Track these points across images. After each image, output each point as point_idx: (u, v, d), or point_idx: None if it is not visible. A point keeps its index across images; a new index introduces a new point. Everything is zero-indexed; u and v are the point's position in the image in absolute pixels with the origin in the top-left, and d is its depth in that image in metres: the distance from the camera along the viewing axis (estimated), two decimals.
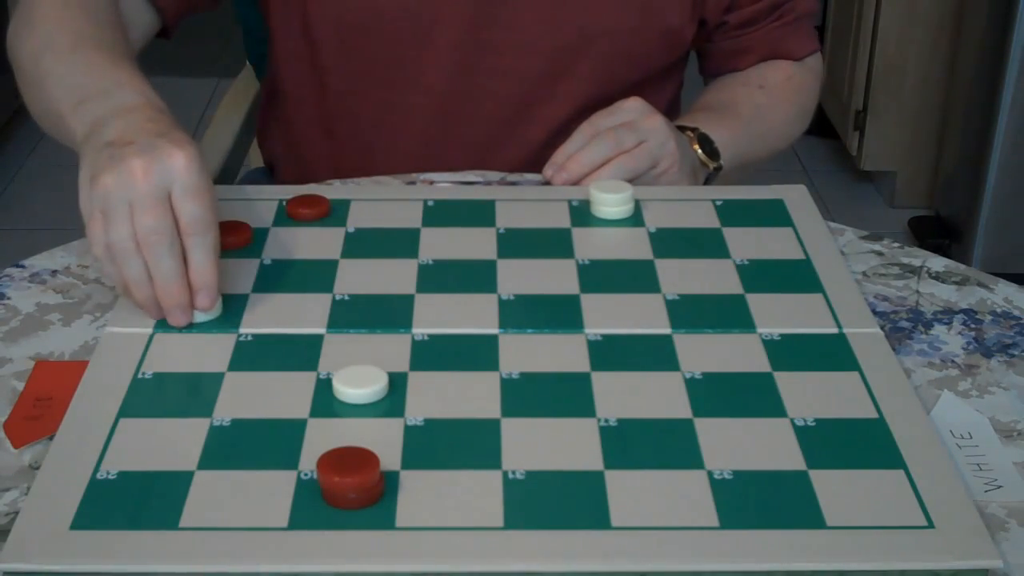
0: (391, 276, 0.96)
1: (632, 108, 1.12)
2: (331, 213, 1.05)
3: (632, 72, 1.25)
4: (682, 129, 1.17)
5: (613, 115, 1.11)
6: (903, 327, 0.94)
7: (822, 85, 1.37)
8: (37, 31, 1.05)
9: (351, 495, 0.71)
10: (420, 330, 0.89)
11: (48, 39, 1.04)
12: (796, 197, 1.09)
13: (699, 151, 1.17)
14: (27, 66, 1.05)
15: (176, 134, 0.88)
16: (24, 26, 1.07)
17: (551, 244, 1.01)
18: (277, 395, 0.81)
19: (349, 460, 0.73)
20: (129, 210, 0.84)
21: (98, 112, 0.92)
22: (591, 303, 0.92)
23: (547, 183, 1.11)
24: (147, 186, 0.84)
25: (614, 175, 1.08)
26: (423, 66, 1.20)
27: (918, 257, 1.04)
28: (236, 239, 0.99)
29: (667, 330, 0.89)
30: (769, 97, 1.28)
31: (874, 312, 0.93)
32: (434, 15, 1.19)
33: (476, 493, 0.73)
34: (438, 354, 0.86)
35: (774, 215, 1.06)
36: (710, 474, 0.74)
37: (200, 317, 0.89)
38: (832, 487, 0.73)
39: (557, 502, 0.72)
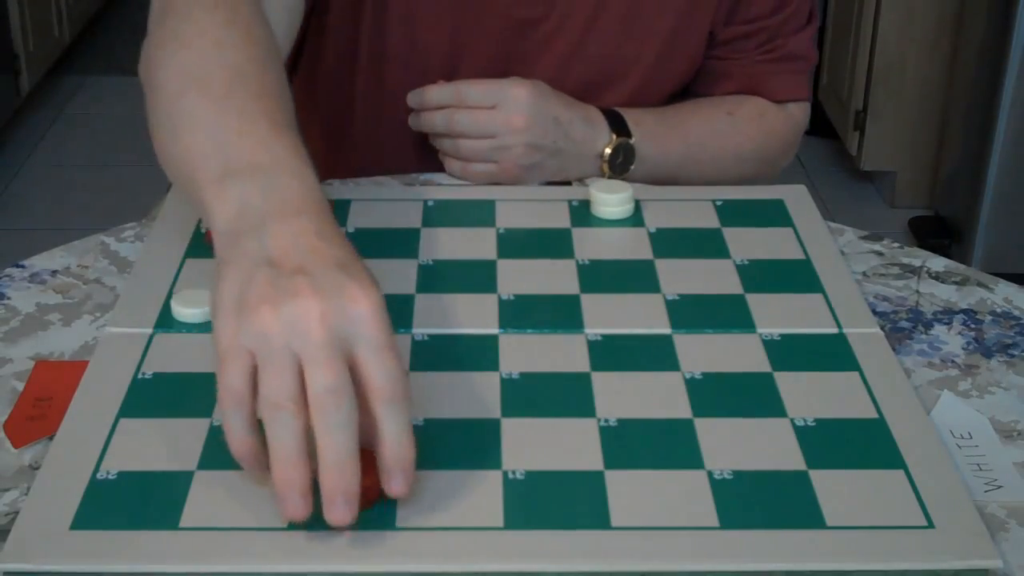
0: (391, 276, 0.96)
1: (508, 97, 1.09)
2: None
3: (656, 99, 1.23)
4: (618, 124, 1.15)
5: (485, 91, 1.10)
6: (903, 327, 0.94)
7: (801, 137, 1.30)
8: (187, 54, 0.87)
9: None
10: (420, 330, 0.89)
11: (198, 69, 0.86)
12: (796, 197, 1.09)
13: (607, 153, 1.14)
14: (164, 96, 0.86)
15: (356, 266, 0.72)
16: (172, 40, 0.89)
17: (551, 244, 1.01)
18: None
19: None
20: (294, 362, 0.67)
21: (250, 199, 0.75)
22: (591, 303, 0.92)
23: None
24: (325, 336, 0.67)
25: (449, 148, 1.12)
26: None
27: (918, 257, 1.04)
28: None
29: (667, 330, 0.89)
30: (732, 126, 1.23)
31: (874, 312, 0.93)
32: (464, 50, 1.18)
33: (476, 493, 0.73)
34: (438, 354, 0.86)
35: (774, 215, 1.06)
36: (710, 474, 0.74)
37: (198, 317, 0.89)
38: (832, 487, 0.73)
39: (557, 502, 0.72)
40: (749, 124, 1.24)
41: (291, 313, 0.67)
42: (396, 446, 0.68)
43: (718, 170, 1.23)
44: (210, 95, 0.83)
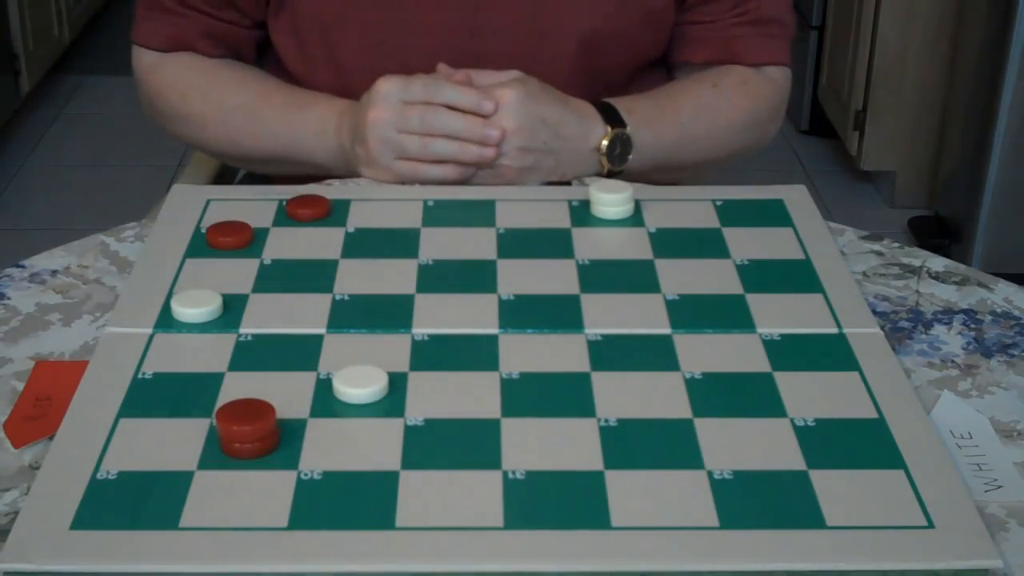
0: (391, 276, 0.96)
1: (502, 105, 1.10)
2: (331, 213, 1.05)
3: (622, 55, 1.24)
4: (611, 115, 1.15)
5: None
6: (903, 327, 0.94)
7: (787, 101, 1.31)
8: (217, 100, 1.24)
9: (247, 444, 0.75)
10: (420, 330, 0.89)
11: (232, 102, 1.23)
12: (796, 197, 1.09)
13: (604, 146, 1.14)
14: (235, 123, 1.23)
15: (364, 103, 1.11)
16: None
17: (551, 244, 1.01)
18: (277, 395, 0.81)
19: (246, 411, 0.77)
20: (401, 137, 1.09)
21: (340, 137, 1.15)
22: (591, 303, 0.92)
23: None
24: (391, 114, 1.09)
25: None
26: (408, 49, 1.20)
27: (918, 257, 1.04)
28: (236, 239, 0.99)
29: (667, 330, 0.89)
30: (718, 98, 1.24)
31: (874, 312, 0.93)
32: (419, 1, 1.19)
33: (476, 493, 0.73)
34: (438, 354, 0.86)
35: (774, 215, 1.06)
36: (710, 474, 0.74)
37: (198, 317, 0.89)
38: (832, 487, 0.73)
39: (557, 502, 0.72)
40: (735, 93, 1.25)
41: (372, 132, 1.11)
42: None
43: (713, 145, 1.24)
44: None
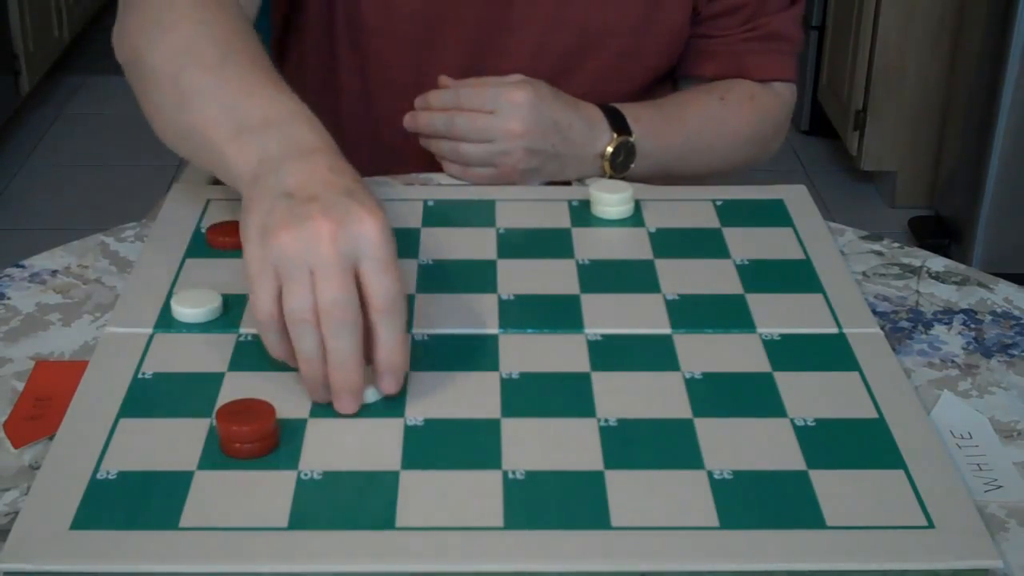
0: None
1: (507, 102, 1.10)
2: None
3: (640, 71, 1.24)
4: (618, 121, 1.15)
5: (485, 96, 1.11)
6: (903, 327, 0.94)
7: (791, 117, 1.31)
8: (173, 35, 0.94)
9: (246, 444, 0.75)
10: (420, 330, 0.89)
11: (189, 46, 0.93)
12: (796, 197, 1.09)
13: (608, 152, 1.14)
14: (162, 77, 0.93)
15: (363, 194, 0.79)
16: (154, 26, 0.96)
17: (551, 244, 1.01)
18: (277, 395, 0.81)
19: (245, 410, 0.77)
20: (310, 277, 0.76)
21: (268, 148, 0.83)
22: (591, 303, 0.92)
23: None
24: (334, 253, 0.76)
25: (448, 152, 1.12)
26: (432, 69, 1.19)
27: (918, 257, 1.04)
28: (236, 239, 0.99)
29: (667, 330, 0.89)
30: (726, 110, 1.24)
31: (874, 312, 0.93)
32: (443, 18, 1.19)
33: (476, 493, 0.73)
34: (438, 354, 0.86)
35: (774, 215, 1.06)
36: (710, 474, 0.74)
37: (198, 317, 0.89)
38: (832, 487, 0.73)
39: (557, 502, 0.72)
40: (741, 107, 1.25)
41: (306, 235, 0.77)
42: (388, 351, 0.78)
43: (717, 157, 1.24)
44: (208, 67, 0.91)
